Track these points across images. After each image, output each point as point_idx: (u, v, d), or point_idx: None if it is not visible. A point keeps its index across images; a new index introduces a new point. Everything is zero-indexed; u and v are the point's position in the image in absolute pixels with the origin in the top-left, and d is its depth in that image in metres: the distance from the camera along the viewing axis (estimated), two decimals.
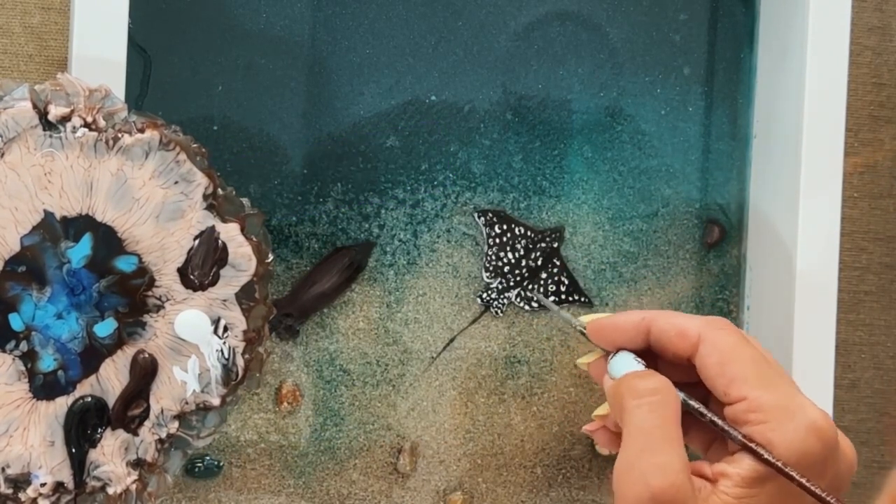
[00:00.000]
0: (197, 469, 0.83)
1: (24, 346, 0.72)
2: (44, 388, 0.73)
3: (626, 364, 0.72)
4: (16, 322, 0.72)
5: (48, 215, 0.72)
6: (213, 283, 0.74)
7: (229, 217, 0.74)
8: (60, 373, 0.73)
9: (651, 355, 0.73)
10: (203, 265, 0.74)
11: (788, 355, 0.85)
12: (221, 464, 0.84)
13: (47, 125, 0.72)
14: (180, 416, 0.75)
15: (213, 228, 0.74)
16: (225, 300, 0.75)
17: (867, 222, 0.92)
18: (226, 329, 0.75)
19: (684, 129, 0.89)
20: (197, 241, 0.74)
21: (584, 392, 0.88)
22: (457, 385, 0.87)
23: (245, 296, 0.75)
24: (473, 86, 0.87)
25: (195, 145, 0.74)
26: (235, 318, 0.75)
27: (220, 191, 0.74)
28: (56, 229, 0.72)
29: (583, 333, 0.75)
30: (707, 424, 0.71)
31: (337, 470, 0.85)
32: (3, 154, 0.71)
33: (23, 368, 0.72)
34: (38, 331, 0.72)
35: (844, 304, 0.91)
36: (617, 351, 0.73)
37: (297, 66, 0.84)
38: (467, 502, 0.87)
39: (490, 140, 0.87)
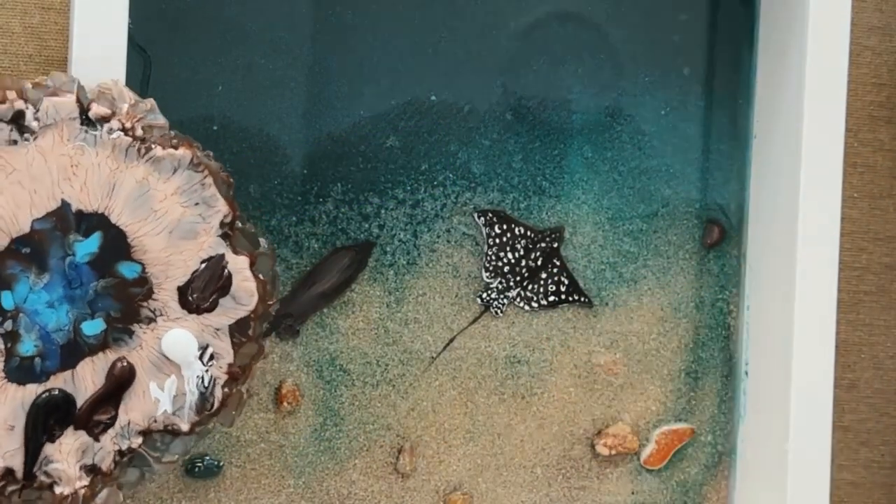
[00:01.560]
0: (197, 469, 0.83)
1: (8, 325, 0.72)
2: (18, 371, 0.72)
3: None
4: (6, 300, 0.72)
5: (65, 205, 0.72)
6: (210, 309, 0.74)
7: (241, 250, 0.74)
8: (38, 360, 0.72)
9: None
10: (204, 289, 0.74)
11: (788, 355, 0.85)
12: (221, 464, 0.84)
13: (86, 121, 0.72)
14: (146, 433, 0.74)
15: (222, 256, 0.74)
16: (218, 329, 0.74)
17: (867, 222, 0.92)
18: (212, 357, 0.74)
19: (684, 129, 0.89)
20: (203, 265, 0.74)
21: (584, 392, 0.88)
22: (457, 385, 0.87)
23: (239, 330, 0.75)
24: (473, 86, 0.87)
25: (224, 174, 0.74)
26: (224, 349, 0.75)
27: (238, 223, 0.74)
28: (69, 220, 0.72)
29: None
30: None
31: (337, 470, 0.85)
32: (36, 137, 0.71)
33: (1, 347, 0.72)
34: (27, 314, 0.72)
35: (844, 304, 0.91)
36: None
37: (297, 66, 0.84)
38: (467, 502, 0.87)
39: (490, 140, 0.87)
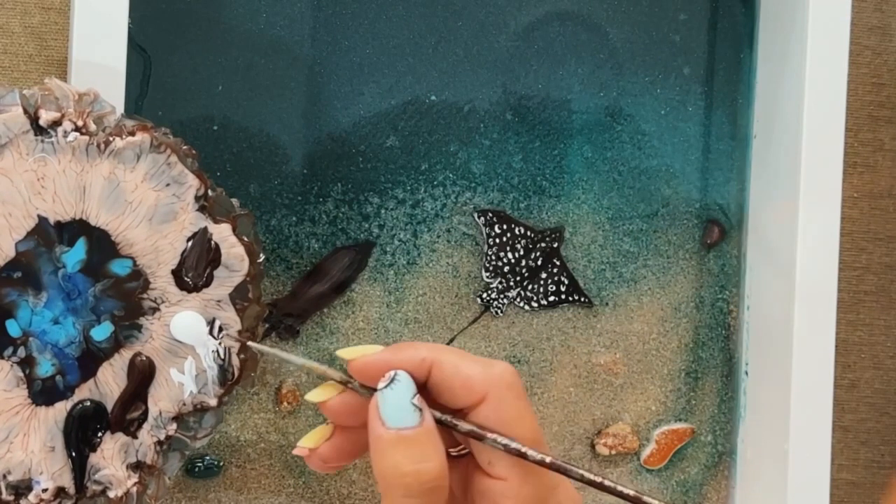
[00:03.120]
0: (197, 469, 0.83)
1: (21, 352, 0.72)
2: (42, 393, 0.73)
3: (400, 412, 0.62)
4: (13, 328, 0.72)
5: (42, 220, 0.72)
6: (207, 284, 0.74)
7: (221, 218, 0.75)
8: (59, 378, 0.73)
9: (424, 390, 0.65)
10: (197, 266, 0.74)
11: (788, 355, 0.85)
12: (221, 464, 0.84)
13: (38, 130, 0.71)
14: (178, 418, 0.75)
15: (205, 230, 0.74)
16: (219, 301, 0.75)
17: (867, 222, 0.92)
18: (221, 329, 0.75)
19: (684, 129, 0.89)
20: (190, 243, 0.74)
21: (584, 392, 0.88)
22: None
23: (239, 296, 0.75)
24: (473, 86, 0.87)
25: (185, 147, 0.74)
26: (230, 318, 0.75)
27: (210, 192, 0.74)
28: (50, 234, 0.72)
29: (344, 383, 0.66)
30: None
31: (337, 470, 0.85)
32: None
33: (21, 374, 0.72)
34: (36, 336, 0.72)
35: (844, 304, 0.91)
36: (394, 376, 0.63)
37: (297, 66, 0.84)
38: None
39: (490, 140, 0.87)
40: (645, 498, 0.64)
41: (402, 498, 0.62)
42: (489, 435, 0.64)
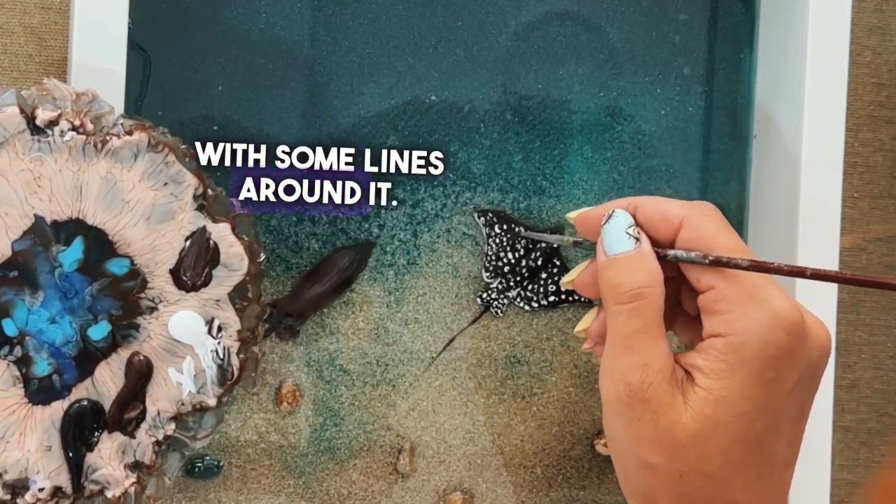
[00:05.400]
0: (197, 469, 0.83)
1: (17, 351, 0.72)
2: (39, 392, 0.73)
3: (618, 239, 0.71)
4: (9, 327, 0.72)
5: (39, 220, 0.72)
6: (206, 283, 0.74)
7: (220, 217, 0.75)
8: (55, 377, 0.73)
9: None
10: (195, 266, 0.74)
11: None
12: (221, 464, 0.84)
13: (35, 130, 0.72)
14: (177, 418, 0.75)
15: (203, 229, 0.74)
16: (218, 300, 0.75)
17: (867, 222, 0.92)
18: (220, 329, 0.75)
19: (684, 129, 0.89)
20: (188, 242, 0.74)
21: (584, 392, 0.88)
22: (457, 385, 0.87)
23: (238, 295, 0.75)
24: (473, 86, 0.87)
25: (183, 146, 0.74)
26: (229, 317, 0.75)
27: (209, 191, 0.74)
28: (47, 234, 0.72)
29: (577, 244, 0.76)
30: (689, 318, 0.74)
31: (337, 470, 0.85)
32: None
33: (17, 374, 0.72)
34: (32, 336, 0.72)
35: (844, 304, 0.91)
36: (612, 213, 0.72)
37: (297, 66, 0.84)
38: (467, 502, 0.87)
39: (490, 140, 0.87)
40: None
41: (614, 306, 0.70)
42: (670, 252, 0.71)
